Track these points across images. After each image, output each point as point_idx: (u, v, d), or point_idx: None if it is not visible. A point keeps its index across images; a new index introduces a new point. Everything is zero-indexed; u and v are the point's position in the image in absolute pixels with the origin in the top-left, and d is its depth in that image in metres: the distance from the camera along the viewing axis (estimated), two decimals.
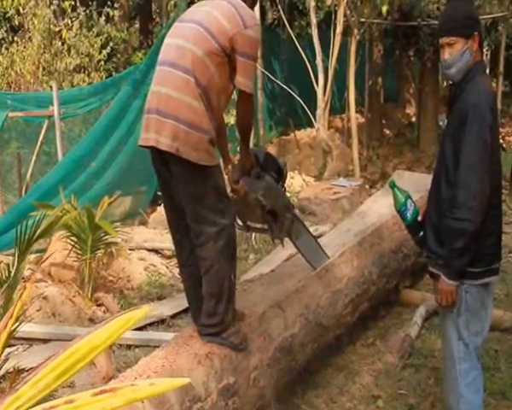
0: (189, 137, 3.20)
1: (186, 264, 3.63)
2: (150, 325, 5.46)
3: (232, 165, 3.82)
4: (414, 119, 15.97)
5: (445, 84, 15.05)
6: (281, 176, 3.98)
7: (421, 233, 3.44)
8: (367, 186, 9.74)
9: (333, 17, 11.60)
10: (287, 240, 4.21)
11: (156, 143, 3.25)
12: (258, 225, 4.08)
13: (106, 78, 11.68)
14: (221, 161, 3.73)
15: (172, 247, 3.81)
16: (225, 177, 3.61)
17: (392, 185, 3.52)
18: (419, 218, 3.47)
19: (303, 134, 13.65)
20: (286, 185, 4.09)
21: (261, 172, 3.82)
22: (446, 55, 3.17)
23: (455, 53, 3.14)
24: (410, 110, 17.22)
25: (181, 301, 5.35)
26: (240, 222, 3.95)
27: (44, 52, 11.45)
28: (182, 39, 3.33)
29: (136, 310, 1.53)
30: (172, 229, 3.65)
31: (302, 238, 4.29)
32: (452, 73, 3.20)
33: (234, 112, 4.08)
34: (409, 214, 3.46)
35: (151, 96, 3.35)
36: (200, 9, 3.48)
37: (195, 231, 3.41)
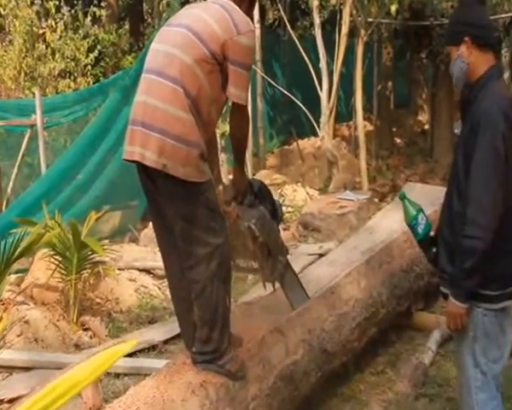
0: (176, 151, 3.20)
1: (177, 286, 3.62)
2: (141, 351, 5.44)
3: (223, 185, 3.80)
4: (427, 126, 16.00)
5: None
6: (276, 214, 3.94)
7: (434, 249, 3.44)
8: (376, 200, 9.73)
9: (338, 17, 11.65)
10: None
11: (141, 157, 3.24)
12: (248, 264, 4.04)
13: (93, 83, 11.72)
14: None
15: None
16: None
17: (403, 197, 3.51)
18: (431, 233, 3.47)
19: (306, 143, 13.67)
20: (281, 224, 4.02)
21: (255, 200, 3.80)
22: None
23: (451, 61, 3.27)
24: (423, 117, 17.26)
25: (174, 326, 5.33)
26: None
27: (27, 56, 11.49)
28: (169, 45, 3.33)
29: (122, 344, 1.52)
30: (162, 249, 3.65)
31: (294, 289, 4.25)
32: (454, 82, 3.35)
33: None
34: (420, 229, 3.45)
35: (136, 106, 3.35)
36: (190, 12, 3.49)
37: (185, 251, 3.40)
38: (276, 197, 4.03)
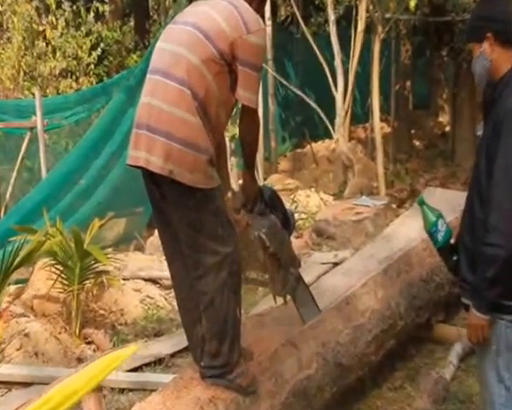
0: (183, 156, 3.21)
1: (185, 297, 3.63)
2: (146, 365, 5.45)
3: (233, 191, 3.80)
4: (448, 128, 15.96)
5: None
6: (288, 224, 3.94)
7: (455, 258, 3.43)
8: (394, 206, 9.72)
9: (354, 13, 11.66)
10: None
11: (146, 163, 3.25)
12: (258, 276, 4.04)
13: (96, 83, 11.76)
14: None
15: None
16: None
17: (421, 203, 3.51)
18: (452, 240, 3.46)
19: (320, 146, 13.69)
20: (294, 232, 4.01)
21: (266, 209, 3.80)
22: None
23: (473, 59, 3.27)
24: (444, 118, 17.23)
25: (181, 338, 5.33)
26: None
27: (26, 54, 11.54)
28: (175, 44, 3.33)
29: (122, 349, 1.51)
30: (168, 257, 3.66)
31: (305, 304, 4.25)
32: (476, 80, 3.33)
33: None
34: (440, 236, 3.44)
35: (141, 108, 3.36)
36: (197, 10, 3.48)
37: (193, 261, 3.41)
38: (288, 206, 4.02)
